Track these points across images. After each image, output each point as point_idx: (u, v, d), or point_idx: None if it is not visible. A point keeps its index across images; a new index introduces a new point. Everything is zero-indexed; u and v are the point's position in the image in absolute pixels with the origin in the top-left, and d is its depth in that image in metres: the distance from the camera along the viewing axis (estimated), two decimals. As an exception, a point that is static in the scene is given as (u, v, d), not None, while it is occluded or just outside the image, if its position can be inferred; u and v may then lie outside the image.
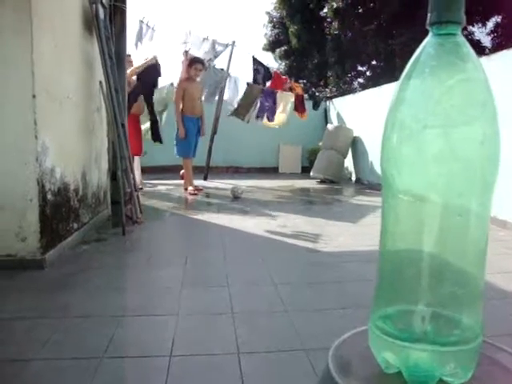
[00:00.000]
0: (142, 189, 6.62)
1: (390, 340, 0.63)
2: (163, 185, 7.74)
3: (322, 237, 4.09)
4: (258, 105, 8.06)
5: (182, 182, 8.26)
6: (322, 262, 3.39)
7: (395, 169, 0.60)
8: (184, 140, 6.71)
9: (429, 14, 0.59)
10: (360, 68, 18.03)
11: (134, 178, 4.80)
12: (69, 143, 3.82)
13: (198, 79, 6.91)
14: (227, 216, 5.07)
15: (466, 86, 0.56)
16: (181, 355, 1.91)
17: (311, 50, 17.01)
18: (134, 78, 6.45)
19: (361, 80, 17.81)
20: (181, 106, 6.64)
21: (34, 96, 3.01)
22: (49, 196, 3.28)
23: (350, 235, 4.21)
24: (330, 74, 16.58)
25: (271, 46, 18.66)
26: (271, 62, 19.14)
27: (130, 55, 6.46)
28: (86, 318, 2.29)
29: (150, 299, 2.57)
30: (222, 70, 7.75)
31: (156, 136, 7.16)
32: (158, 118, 7.35)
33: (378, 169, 7.48)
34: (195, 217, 4.98)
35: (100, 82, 4.61)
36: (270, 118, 8.22)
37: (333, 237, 4.09)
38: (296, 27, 16.91)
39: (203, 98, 7.82)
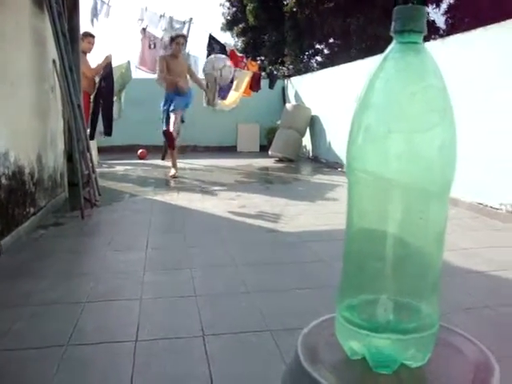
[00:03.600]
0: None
1: (355, 329, 0.67)
2: (121, 165, 7.61)
3: (282, 217, 4.15)
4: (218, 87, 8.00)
5: (140, 162, 8.18)
6: (283, 242, 3.45)
7: (361, 165, 0.63)
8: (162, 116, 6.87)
9: (393, 23, 0.61)
10: (318, 46, 18.09)
11: (91, 160, 4.71)
12: (22, 125, 3.71)
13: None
14: (187, 197, 5.07)
15: (427, 93, 0.60)
16: (146, 339, 1.93)
17: (269, 28, 16.92)
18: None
19: (319, 58, 17.88)
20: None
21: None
22: (3, 180, 3.19)
23: (310, 214, 4.29)
24: (287, 51, 16.55)
25: (229, 25, 18.45)
26: (228, 39, 18.96)
27: (93, 36, 6.29)
28: (48, 306, 2.27)
29: (113, 284, 2.57)
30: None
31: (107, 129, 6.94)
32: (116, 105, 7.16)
33: (335, 147, 7.60)
34: (155, 198, 4.95)
35: (53, 61, 4.47)
36: (224, 97, 8.18)
37: (293, 216, 4.15)
38: (253, 5, 16.75)
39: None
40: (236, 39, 18.60)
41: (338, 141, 7.55)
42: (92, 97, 6.69)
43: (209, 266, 2.90)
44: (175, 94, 6.61)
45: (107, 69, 6.59)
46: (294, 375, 0.68)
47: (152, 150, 8.87)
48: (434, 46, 5.27)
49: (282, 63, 15.63)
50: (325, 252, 3.18)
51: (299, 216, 4.19)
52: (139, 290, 2.46)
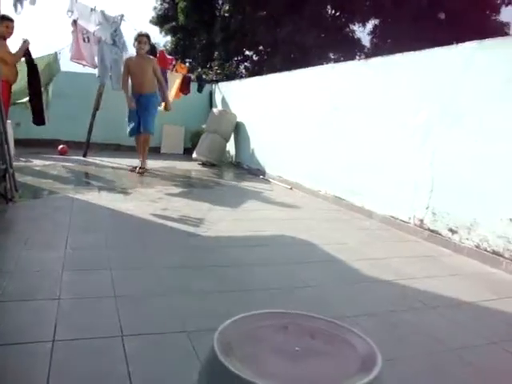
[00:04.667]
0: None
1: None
2: (40, 159, 7.35)
3: (204, 221, 4.22)
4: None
5: (60, 157, 7.93)
6: (203, 246, 3.52)
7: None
8: (127, 118, 6.80)
9: None
10: (247, 52, 18.37)
11: (9, 153, 4.55)
12: None
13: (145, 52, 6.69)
14: (108, 197, 5.01)
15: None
16: (64, 339, 1.94)
17: (199, 30, 16.94)
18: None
19: (247, 64, 18.15)
20: (129, 82, 6.70)
21: None
22: None
23: (231, 220, 4.39)
24: (216, 55, 16.66)
25: (159, 21, 18.27)
26: (157, 36, 18.80)
27: (12, 20, 6.01)
28: (-41, 304, 2.21)
29: (30, 283, 2.53)
30: (114, 43, 7.41)
31: (37, 118, 6.69)
32: (43, 96, 6.89)
33: (258, 155, 7.78)
34: (75, 196, 4.85)
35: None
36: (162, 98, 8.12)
37: (214, 221, 4.24)
38: (185, 4, 16.70)
39: (113, 86, 7.59)
40: (165, 36, 18.47)
41: (261, 148, 7.74)
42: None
43: (129, 267, 2.92)
44: (141, 94, 6.65)
45: (27, 55, 6.33)
46: (209, 366, 0.77)
47: (73, 146, 8.63)
48: (358, 65, 5.58)
49: (211, 67, 15.69)
50: (243, 257, 3.31)
51: (221, 221, 4.28)
52: (57, 289, 2.44)
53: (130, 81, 6.67)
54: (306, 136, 6.29)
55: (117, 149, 9.61)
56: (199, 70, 15.84)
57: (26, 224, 3.81)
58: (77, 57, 7.28)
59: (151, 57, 6.88)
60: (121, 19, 7.47)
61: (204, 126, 8.79)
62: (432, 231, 4.05)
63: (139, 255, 3.19)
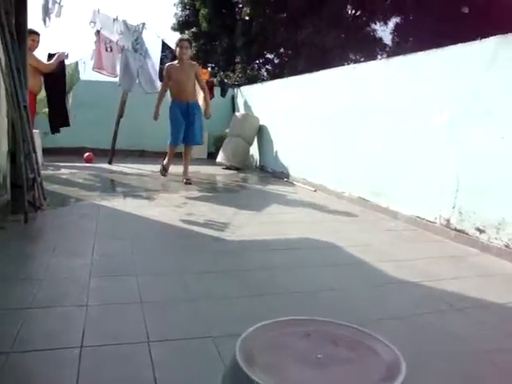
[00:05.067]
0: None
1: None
2: (67, 167, 7.48)
3: (229, 225, 4.23)
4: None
5: (86, 165, 8.05)
6: (228, 250, 3.53)
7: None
8: (170, 127, 6.62)
9: None
10: (268, 55, 18.38)
11: (37, 162, 4.64)
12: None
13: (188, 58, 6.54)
14: (134, 203, 5.07)
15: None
16: (91, 346, 1.96)
17: (221, 35, 17.03)
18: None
19: (269, 67, 18.17)
20: (167, 91, 6.63)
21: None
22: None
23: (255, 224, 4.39)
24: (237, 59, 16.72)
25: (180, 27, 18.41)
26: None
27: (38, 34, 6.18)
28: (-10, 311, 2.26)
29: (58, 290, 2.57)
30: (137, 51, 7.54)
31: (54, 127, 6.87)
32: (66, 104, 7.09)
33: (281, 158, 7.77)
34: (101, 203, 4.92)
35: (-1, 60, 4.38)
36: None
37: (239, 225, 4.24)
38: (207, 10, 16.82)
39: (146, 89, 7.67)
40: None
41: (284, 151, 7.72)
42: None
43: (155, 273, 2.95)
44: (188, 102, 6.48)
45: (60, 66, 6.53)
46: (232, 375, 0.77)
47: (99, 154, 8.76)
48: (380, 65, 5.54)
49: (233, 71, 15.76)
50: (268, 261, 3.31)
51: (245, 225, 4.28)
52: (84, 296, 2.48)
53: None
54: (328, 137, 6.26)
55: (141, 155, 9.73)
56: (221, 73, 15.93)
57: (54, 231, 3.88)
58: (98, 66, 7.43)
59: (194, 62, 6.71)
60: (142, 27, 7.58)
61: (227, 131, 8.83)
62: (459, 231, 3.98)
63: (164, 261, 3.21)
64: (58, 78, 6.59)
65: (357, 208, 5.26)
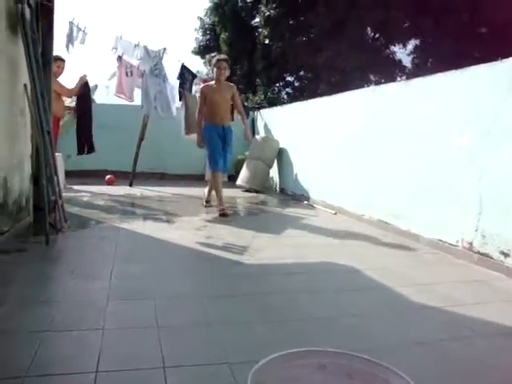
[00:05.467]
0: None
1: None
2: (87, 191, 7.57)
3: (248, 249, 4.21)
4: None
5: (107, 187, 8.13)
6: (247, 274, 3.50)
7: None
8: (208, 151, 6.11)
9: None
10: (288, 78, 18.51)
11: (58, 185, 4.70)
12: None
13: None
14: (153, 226, 5.09)
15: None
16: (107, 371, 1.94)
17: (241, 58, 17.23)
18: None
19: (289, 90, 18.27)
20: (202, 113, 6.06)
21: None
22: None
23: (275, 247, 4.36)
24: (258, 82, 16.88)
25: (201, 51, 18.72)
26: (200, 66, 19.22)
27: (63, 60, 6.35)
28: (6, 335, 2.26)
29: (75, 313, 2.57)
30: (158, 76, 7.69)
31: (81, 148, 7.04)
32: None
33: (301, 180, 7.75)
34: (121, 226, 4.94)
35: (25, 85, 4.47)
36: None
37: (258, 249, 4.22)
38: (227, 34, 17.08)
39: (161, 114, 7.71)
40: (209, 67, 18.90)
41: (304, 174, 7.70)
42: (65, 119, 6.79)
43: (172, 297, 2.93)
44: (221, 126, 6.04)
45: (84, 88, 6.70)
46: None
47: (120, 176, 8.85)
48: (399, 87, 5.52)
49: (254, 93, 15.89)
50: (288, 285, 3.27)
51: (265, 249, 4.26)
52: (101, 319, 2.47)
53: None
54: (348, 159, 6.23)
55: (161, 177, 9.81)
56: (242, 96, 16.06)
57: (74, 254, 3.90)
58: (119, 91, 7.58)
59: (231, 84, 6.27)
60: (163, 52, 7.71)
61: (247, 153, 8.86)
62: (482, 254, 3.89)
63: (183, 284, 3.19)
64: (83, 99, 6.74)
65: (377, 231, 5.19)
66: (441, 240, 4.39)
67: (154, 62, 7.58)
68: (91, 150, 7.24)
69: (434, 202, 4.52)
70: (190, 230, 4.95)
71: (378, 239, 4.84)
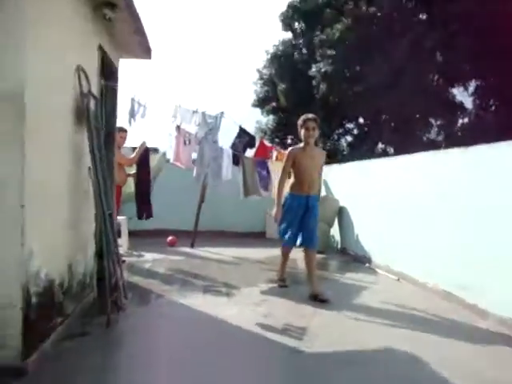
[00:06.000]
0: (124, 261, 6.56)
1: None
2: (151, 251, 7.72)
3: (307, 331, 4.09)
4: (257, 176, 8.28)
5: (169, 249, 8.24)
6: (305, 367, 3.39)
7: None
8: (282, 222, 5.49)
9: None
10: (348, 125, 18.44)
11: (119, 263, 4.79)
12: (56, 239, 3.81)
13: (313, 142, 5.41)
14: (212, 300, 5.10)
15: None
16: None
17: (299, 109, 17.41)
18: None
19: (348, 138, 18.17)
20: (290, 181, 5.48)
21: (22, 206, 3.04)
22: (33, 299, 3.25)
23: (337, 328, 4.25)
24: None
25: (260, 103, 19.09)
26: (259, 116, 19.56)
27: (126, 131, 6.64)
28: None
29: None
30: (215, 142, 7.89)
31: (140, 213, 7.25)
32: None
33: (362, 241, 7.56)
34: (180, 301, 4.93)
35: (89, 168, 4.64)
36: (266, 188, 8.38)
37: (318, 331, 4.10)
38: (284, 86, 17.36)
39: (209, 180, 7.82)
40: (267, 116, 19.19)
41: (365, 234, 7.53)
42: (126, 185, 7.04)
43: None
44: (309, 195, 5.34)
45: (143, 155, 6.95)
46: None
47: (180, 235, 8.95)
48: (458, 154, 5.32)
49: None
50: (347, 381, 3.13)
51: (326, 330, 4.14)
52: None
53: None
54: (410, 222, 6.05)
55: (221, 235, 9.88)
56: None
57: (134, 337, 3.98)
58: (176, 159, 7.80)
59: (323, 150, 5.72)
60: (220, 116, 7.89)
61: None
62: None
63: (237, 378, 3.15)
64: (142, 166, 6.97)
65: (443, 304, 4.95)
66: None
67: (210, 126, 7.76)
68: (149, 216, 7.42)
69: (508, 274, 4.24)
70: (248, 305, 4.88)
71: (443, 316, 4.58)
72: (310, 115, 5.34)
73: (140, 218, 7.58)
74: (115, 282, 4.53)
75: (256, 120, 19.38)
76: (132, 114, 6.63)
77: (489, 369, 3.34)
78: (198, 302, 4.97)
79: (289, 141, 18.66)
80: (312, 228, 5.36)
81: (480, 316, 4.48)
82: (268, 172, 8.30)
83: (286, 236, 5.43)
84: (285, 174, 5.41)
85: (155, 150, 8.47)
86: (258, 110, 19.37)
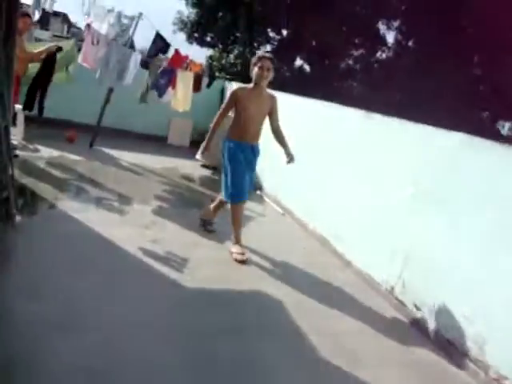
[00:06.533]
0: (17, 156, 6.32)
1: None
2: (47, 146, 7.52)
3: (190, 262, 4.36)
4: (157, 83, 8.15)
5: (67, 146, 8.01)
6: (181, 304, 3.68)
7: None
8: (229, 176, 4.78)
9: None
10: (271, 34, 18.19)
11: (11, 160, 4.58)
12: None
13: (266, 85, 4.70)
14: (104, 216, 5.18)
15: None
16: None
17: (224, 8, 16.79)
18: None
19: (268, 47, 18.00)
20: (225, 122, 4.89)
21: None
22: None
23: (218, 262, 4.56)
24: (239, 37, 16.56)
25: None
26: (183, 8, 18.64)
27: (30, 16, 6.17)
28: None
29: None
30: (125, 44, 7.56)
31: (28, 104, 6.89)
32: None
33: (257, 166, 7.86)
34: (73, 215, 4.96)
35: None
36: (160, 95, 8.36)
37: (200, 264, 4.39)
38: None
39: (108, 81, 7.58)
40: (191, 9, 18.29)
41: (260, 159, 7.78)
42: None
43: (90, 328, 3.12)
44: (253, 145, 4.85)
45: (51, 55, 6.55)
46: None
47: (81, 130, 8.72)
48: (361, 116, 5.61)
49: (227, 54, 15.61)
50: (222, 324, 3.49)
51: (206, 264, 4.43)
52: None
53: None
54: (306, 163, 6.28)
55: (124, 135, 9.77)
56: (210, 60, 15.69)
57: (21, 259, 3.95)
58: (84, 60, 7.47)
59: (273, 95, 4.87)
60: (138, 18, 7.53)
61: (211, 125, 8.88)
62: (399, 301, 4.26)
63: (109, 310, 3.36)
64: (46, 68, 6.64)
65: (318, 248, 5.51)
66: (368, 274, 4.72)
67: (123, 27, 7.40)
68: (40, 113, 7.08)
69: (373, 237, 4.79)
70: (138, 227, 4.99)
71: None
72: (268, 54, 4.79)
73: (26, 109, 7.18)
74: (7, 195, 4.44)
75: (177, 10, 18.43)
76: (37, 6, 6.15)
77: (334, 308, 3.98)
78: (90, 216, 5.03)
79: (208, 38, 18.14)
80: (251, 182, 5.08)
81: (345, 264, 5.06)
82: (169, 81, 8.22)
83: (238, 191, 4.79)
84: (222, 115, 4.85)
85: (67, 38, 7.97)
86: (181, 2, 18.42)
